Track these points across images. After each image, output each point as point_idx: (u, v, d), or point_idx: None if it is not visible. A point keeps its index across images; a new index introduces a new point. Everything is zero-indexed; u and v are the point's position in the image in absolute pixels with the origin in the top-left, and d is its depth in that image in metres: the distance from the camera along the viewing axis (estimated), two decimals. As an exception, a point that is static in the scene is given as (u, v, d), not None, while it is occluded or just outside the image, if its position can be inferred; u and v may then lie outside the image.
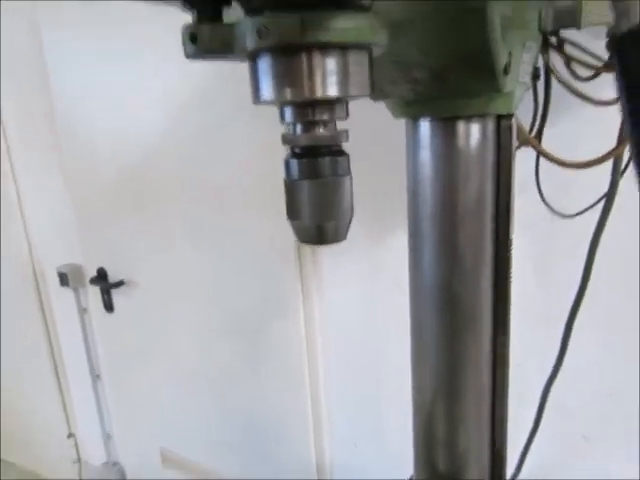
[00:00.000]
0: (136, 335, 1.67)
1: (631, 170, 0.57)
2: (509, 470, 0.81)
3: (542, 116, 0.69)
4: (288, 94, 0.31)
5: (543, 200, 0.78)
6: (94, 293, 1.70)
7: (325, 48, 0.29)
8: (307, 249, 1.23)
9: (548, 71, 0.66)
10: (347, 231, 0.36)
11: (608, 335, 0.93)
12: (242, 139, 1.23)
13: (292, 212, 0.35)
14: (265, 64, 0.31)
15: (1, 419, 2.22)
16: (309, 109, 0.32)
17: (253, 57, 0.31)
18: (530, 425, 0.95)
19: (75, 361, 1.90)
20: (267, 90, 0.31)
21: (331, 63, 0.30)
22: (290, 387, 1.38)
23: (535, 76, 0.62)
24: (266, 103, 0.32)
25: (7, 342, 2.06)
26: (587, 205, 0.75)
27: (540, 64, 0.64)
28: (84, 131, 1.51)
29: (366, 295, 1.18)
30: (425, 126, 0.57)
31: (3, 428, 2.24)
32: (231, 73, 1.16)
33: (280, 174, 1.16)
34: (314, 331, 1.30)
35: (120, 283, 1.59)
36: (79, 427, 2.04)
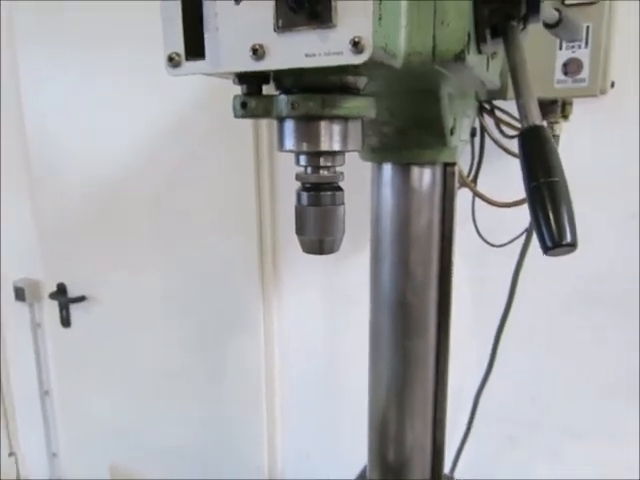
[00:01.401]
0: (92, 350, 1.70)
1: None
2: (446, 465, 0.94)
3: (477, 165, 0.86)
4: (305, 147, 0.44)
5: (478, 232, 0.95)
6: (50, 308, 1.73)
7: (333, 118, 0.43)
8: (269, 267, 1.35)
9: (482, 130, 0.83)
10: (340, 245, 0.49)
11: (532, 346, 1.11)
12: (211, 165, 1.34)
13: (300, 229, 0.47)
14: (290, 125, 0.43)
15: None
16: (318, 157, 0.45)
17: (281, 119, 0.44)
18: (464, 427, 1.10)
19: (23, 377, 1.88)
20: (290, 143, 0.44)
21: (336, 128, 0.43)
22: (246, 398, 1.47)
23: (472, 134, 0.79)
24: (287, 152, 0.45)
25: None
26: (513, 237, 0.92)
27: (477, 125, 0.82)
28: (53, 149, 1.57)
29: (322, 309, 1.30)
30: (387, 169, 0.71)
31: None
32: (205, 103, 1.29)
33: (245, 198, 1.30)
34: (273, 344, 1.41)
35: (81, 298, 1.63)
36: (21, 445, 2.00)
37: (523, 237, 0.91)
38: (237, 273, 1.38)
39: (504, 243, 0.93)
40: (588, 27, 0.70)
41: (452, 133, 0.63)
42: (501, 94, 0.75)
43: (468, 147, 0.86)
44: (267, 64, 0.36)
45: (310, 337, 1.35)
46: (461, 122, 0.67)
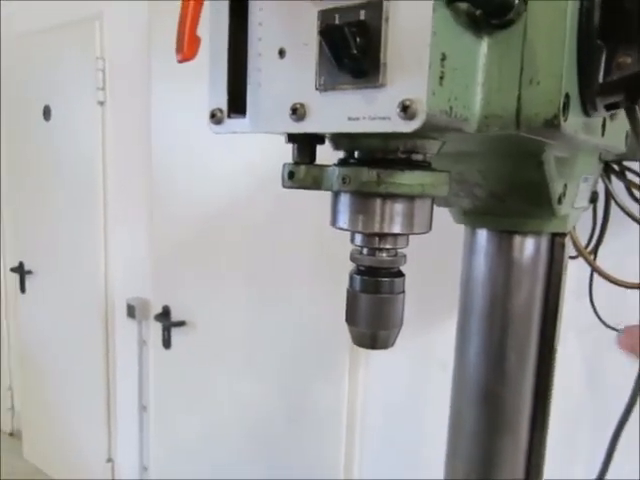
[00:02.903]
0: (187, 374, 1.75)
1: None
2: None
3: (599, 235, 0.72)
4: (360, 226, 0.37)
5: (595, 311, 0.80)
6: (155, 329, 1.81)
7: (394, 196, 0.36)
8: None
9: (608, 195, 0.70)
10: (396, 339, 0.41)
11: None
12: (308, 216, 1.32)
13: (351, 318, 0.40)
14: (345, 200, 0.37)
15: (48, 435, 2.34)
16: (376, 238, 0.37)
17: (336, 193, 0.38)
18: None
19: (126, 389, 2.00)
20: (343, 220, 0.37)
21: (398, 207, 0.36)
22: (325, 453, 1.40)
23: (593, 199, 0.66)
24: (341, 229, 0.39)
25: (69, 355, 2.20)
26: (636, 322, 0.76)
27: (601, 187, 0.69)
28: (169, 184, 1.67)
29: (412, 373, 1.20)
30: (482, 235, 0.62)
31: (49, 444, 2.36)
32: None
33: (336, 245, 1.22)
34: (356, 402, 1.33)
35: (182, 323, 1.69)
36: (119, 454, 2.11)
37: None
38: (326, 321, 1.33)
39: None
40: None
41: (560, 202, 0.53)
42: (633, 154, 0.62)
43: (589, 212, 0.73)
44: (307, 126, 0.31)
45: (395, 398, 1.25)
46: (575, 188, 0.56)
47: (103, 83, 1.90)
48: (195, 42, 0.31)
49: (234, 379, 1.60)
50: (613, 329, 0.79)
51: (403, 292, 0.39)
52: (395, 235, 0.37)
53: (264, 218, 1.44)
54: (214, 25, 0.34)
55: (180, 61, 0.31)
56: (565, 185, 0.53)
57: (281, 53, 0.31)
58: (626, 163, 0.69)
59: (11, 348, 2.65)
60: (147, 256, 1.81)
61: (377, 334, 0.39)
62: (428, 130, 0.28)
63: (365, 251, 0.38)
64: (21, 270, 2.33)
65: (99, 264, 2.00)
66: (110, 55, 1.88)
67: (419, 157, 0.36)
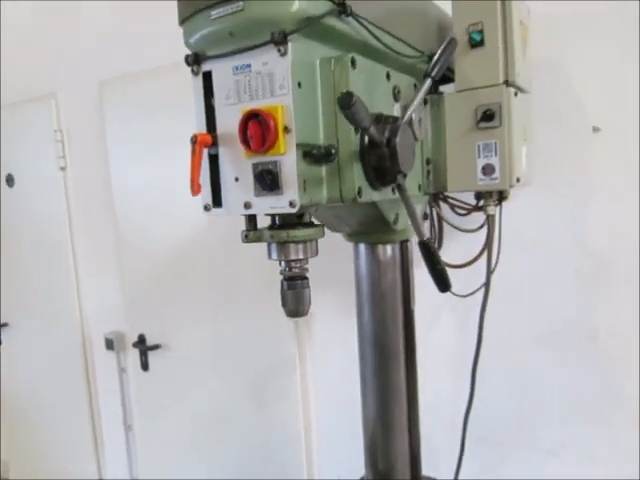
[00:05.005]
0: (165, 390, 2.07)
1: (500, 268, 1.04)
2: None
3: (439, 240, 1.16)
4: (283, 257, 0.76)
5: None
6: (133, 356, 2.12)
7: (297, 242, 0.76)
8: (303, 323, 1.68)
9: (438, 214, 1.14)
10: (308, 310, 0.80)
11: (510, 369, 1.35)
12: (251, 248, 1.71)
13: (284, 303, 0.79)
14: (274, 245, 0.76)
15: (37, 465, 2.55)
16: (291, 262, 0.77)
17: (269, 243, 0.78)
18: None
19: (111, 414, 2.27)
20: (274, 255, 0.77)
21: (299, 246, 0.76)
22: (288, 437, 1.77)
23: (425, 218, 1.10)
24: (273, 260, 0.78)
25: (52, 397, 2.44)
26: (472, 290, 1.20)
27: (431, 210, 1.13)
28: (135, 231, 2.01)
29: (348, 354, 1.60)
30: (361, 247, 1.03)
31: (40, 474, 2.57)
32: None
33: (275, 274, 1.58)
34: (308, 385, 1.72)
35: (156, 346, 2.02)
36: (109, 472, 2.37)
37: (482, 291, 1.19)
38: (277, 329, 1.72)
39: (467, 294, 1.21)
40: (495, 143, 1.00)
41: (395, 223, 0.95)
42: (443, 187, 1.05)
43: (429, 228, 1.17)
44: (252, 211, 0.71)
45: (338, 376, 1.64)
46: (405, 213, 0.98)
47: (63, 152, 2.21)
48: (199, 186, 0.70)
49: (206, 386, 1.94)
50: (458, 295, 1.22)
51: (308, 287, 0.79)
52: (300, 259, 0.77)
53: (218, 249, 1.81)
54: (204, 167, 0.73)
55: (194, 195, 0.70)
56: (397, 213, 0.95)
57: (237, 179, 0.71)
58: (447, 193, 1.13)
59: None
60: (118, 295, 2.12)
61: (298, 309, 0.79)
62: (303, 209, 0.68)
63: (287, 269, 0.78)
64: (-4, 323, 2.55)
65: (74, 309, 2.28)
66: (67, 126, 2.19)
67: (307, 219, 0.77)
